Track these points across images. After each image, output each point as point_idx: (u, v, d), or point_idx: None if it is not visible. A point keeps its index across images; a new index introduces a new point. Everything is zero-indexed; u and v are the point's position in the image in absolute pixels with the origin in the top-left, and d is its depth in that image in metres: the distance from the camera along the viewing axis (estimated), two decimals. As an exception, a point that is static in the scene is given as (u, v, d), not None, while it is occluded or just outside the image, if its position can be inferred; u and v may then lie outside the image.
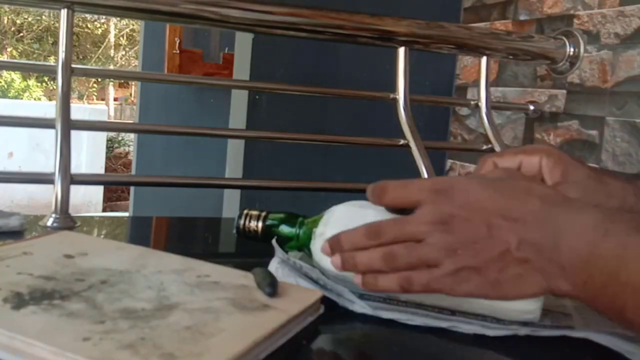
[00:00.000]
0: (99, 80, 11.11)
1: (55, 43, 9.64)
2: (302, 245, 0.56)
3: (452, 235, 0.42)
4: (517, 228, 0.41)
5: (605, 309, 0.40)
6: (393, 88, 0.94)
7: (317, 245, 0.51)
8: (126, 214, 4.34)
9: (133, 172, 3.27)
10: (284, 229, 0.57)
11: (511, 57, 1.05)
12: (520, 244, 0.41)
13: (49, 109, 5.38)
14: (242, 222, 0.59)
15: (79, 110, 6.02)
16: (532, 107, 1.20)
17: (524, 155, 0.51)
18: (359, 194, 0.89)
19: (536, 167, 0.50)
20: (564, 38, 1.10)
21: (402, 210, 0.50)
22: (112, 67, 11.52)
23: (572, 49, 1.09)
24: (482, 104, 1.03)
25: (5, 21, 11.38)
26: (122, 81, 11.49)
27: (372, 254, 0.43)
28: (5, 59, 2.17)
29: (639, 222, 0.39)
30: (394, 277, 0.43)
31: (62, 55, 0.74)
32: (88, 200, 5.44)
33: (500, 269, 0.41)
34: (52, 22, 11.11)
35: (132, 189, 3.15)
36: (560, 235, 0.40)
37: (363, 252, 0.43)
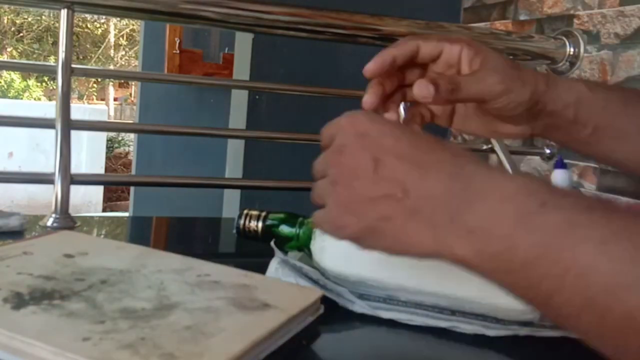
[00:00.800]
0: (99, 80, 11.12)
1: (55, 43, 9.65)
2: (302, 245, 0.56)
3: (338, 167, 0.37)
4: (412, 172, 0.35)
5: (523, 287, 0.32)
6: (393, 88, 0.94)
7: (318, 245, 0.51)
8: (126, 214, 4.34)
9: (133, 172, 3.27)
10: (284, 229, 0.57)
11: (511, 57, 1.05)
12: (410, 191, 0.34)
13: (49, 109, 5.38)
14: (242, 222, 0.59)
15: (79, 110, 6.01)
16: (532, 107, 1.19)
17: (447, 42, 0.49)
18: (359, 194, 0.89)
19: (456, 55, 0.48)
20: (564, 38, 1.10)
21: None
22: (112, 67, 11.53)
23: (572, 49, 1.09)
24: (482, 104, 1.03)
25: (5, 21, 11.38)
26: (122, 81, 11.49)
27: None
28: (5, 59, 2.17)
29: (586, 200, 0.32)
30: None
31: (62, 55, 0.74)
32: (88, 200, 5.44)
33: (379, 215, 0.35)
34: (52, 22, 11.11)
35: (132, 189, 3.15)
36: (475, 194, 0.33)
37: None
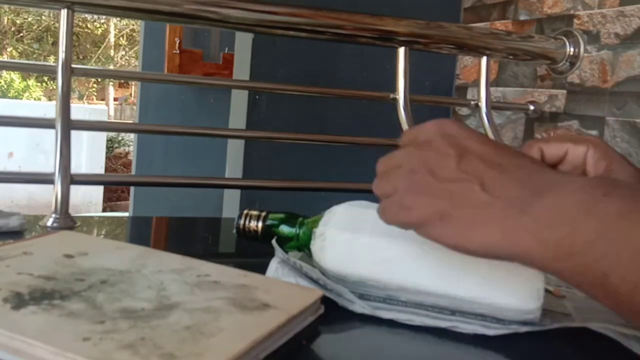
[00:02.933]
0: (99, 80, 11.11)
1: (55, 43, 9.65)
2: (302, 245, 0.56)
3: (420, 158, 0.39)
4: (491, 170, 0.37)
5: (581, 269, 0.34)
6: (393, 88, 0.94)
7: (317, 245, 0.51)
8: (126, 214, 4.34)
9: (133, 172, 3.27)
10: (284, 229, 0.57)
11: (511, 57, 1.05)
12: (488, 185, 0.37)
13: (49, 109, 5.39)
14: (242, 222, 0.59)
15: (79, 110, 6.02)
16: (532, 107, 1.20)
17: (571, 143, 0.49)
18: (359, 194, 0.89)
19: (581, 157, 0.48)
20: (564, 38, 1.10)
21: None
22: (112, 67, 11.52)
23: (572, 49, 1.09)
24: (482, 104, 1.03)
25: (5, 21, 11.38)
26: (122, 81, 11.49)
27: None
28: (5, 59, 2.17)
29: None
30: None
31: (62, 55, 0.74)
32: (88, 200, 5.44)
33: (453, 201, 0.37)
34: (52, 22, 11.11)
35: (132, 189, 3.15)
36: (547, 189, 0.36)
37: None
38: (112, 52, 12.44)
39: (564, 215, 0.34)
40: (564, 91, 1.19)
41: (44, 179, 0.73)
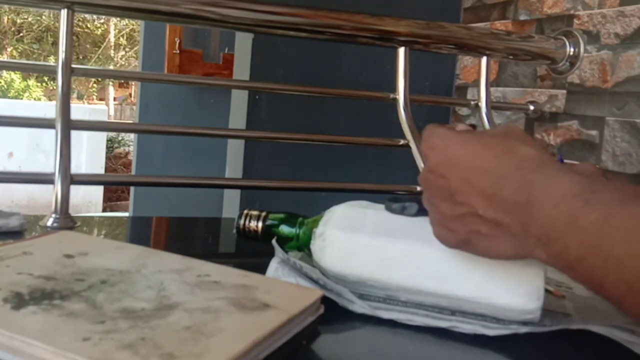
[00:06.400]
0: (99, 80, 11.11)
1: (55, 43, 9.64)
2: (302, 245, 0.56)
3: (428, 191, 0.45)
4: (485, 191, 0.41)
5: (582, 280, 0.37)
6: (393, 88, 0.94)
7: (317, 245, 0.51)
8: (126, 214, 4.34)
9: (133, 172, 3.27)
10: (284, 229, 0.57)
11: (511, 57, 1.05)
12: (488, 207, 0.41)
13: (49, 109, 5.38)
14: (242, 222, 0.59)
15: (79, 110, 6.02)
16: (532, 107, 1.20)
17: None
18: (359, 194, 0.89)
19: None
20: (564, 38, 1.10)
21: (402, 209, 0.50)
22: (112, 67, 11.52)
23: (572, 49, 1.09)
24: (482, 104, 1.03)
25: (5, 21, 11.38)
26: (122, 81, 11.48)
27: None
28: (5, 59, 2.16)
29: (623, 193, 0.36)
30: None
31: (62, 55, 0.74)
32: (88, 200, 5.44)
33: (469, 229, 0.42)
34: (52, 22, 11.11)
35: (132, 189, 3.15)
36: (534, 204, 0.38)
37: None
38: (112, 52, 12.43)
39: (555, 231, 0.37)
40: (564, 91, 1.19)
41: (44, 179, 0.72)
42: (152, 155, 2.99)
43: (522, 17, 1.31)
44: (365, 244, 0.49)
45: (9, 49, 11.36)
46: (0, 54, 11.09)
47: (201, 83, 1.55)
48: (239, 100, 1.53)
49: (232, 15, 0.82)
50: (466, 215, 0.42)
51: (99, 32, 12.31)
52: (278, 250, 0.53)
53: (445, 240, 0.45)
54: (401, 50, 0.93)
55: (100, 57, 12.03)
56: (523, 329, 0.45)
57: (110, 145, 7.31)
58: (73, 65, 0.75)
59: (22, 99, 9.52)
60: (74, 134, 0.73)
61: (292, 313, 0.40)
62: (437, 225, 0.45)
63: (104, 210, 5.64)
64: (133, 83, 9.57)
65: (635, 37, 1.04)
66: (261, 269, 0.51)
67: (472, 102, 1.06)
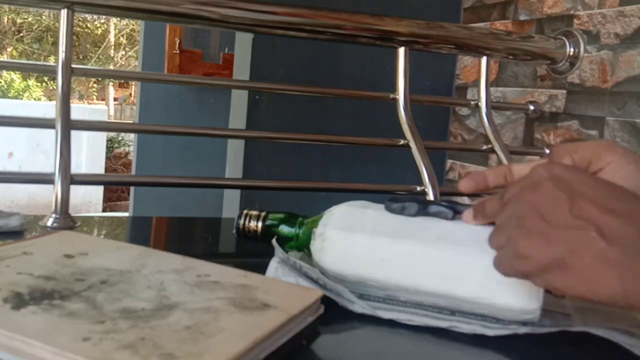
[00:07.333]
0: (99, 80, 11.11)
1: (55, 43, 9.65)
2: (302, 245, 0.56)
3: (528, 204, 0.38)
4: (606, 216, 0.36)
5: None
6: (393, 88, 0.94)
7: (317, 245, 0.51)
8: (126, 214, 4.34)
9: (133, 172, 3.26)
10: (284, 229, 0.57)
11: (511, 57, 1.05)
12: (605, 231, 0.35)
13: (49, 109, 5.38)
14: (242, 222, 0.59)
15: (79, 110, 6.02)
16: (532, 107, 1.20)
17: (600, 150, 0.48)
18: (359, 194, 0.89)
19: (608, 164, 0.47)
20: (564, 38, 1.10)
21: (402, 209, 0.50)
22: (112, 67, 11.52)
23: (572, 49, 1.09)
24: (482, 104, 1.03)
25: (5, 21, 11.38)
26: (122, 81, 11.48)
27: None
28: (5, 59, 2.16)
29: None
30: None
31: (62, 55, 0.74)
32: (88, 200, 5.44)
33: (570, 247, 0.36)
34: (52, 22, 11.11)
35: (132, 189, 3.15)
36: None
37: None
38: (112, 52, 12.43)
39: None
40: (564, 91, 1.19)
41: (44, 179, 0.72)
42: (152, 156, 2.99)
43: (522, 17, 1.31)
44: (365, 244, 0.49)
45: (9, 49, 11.36)
46: (0, 54, 11.09)
47: (201, 83, 1.55)
48: (239, 100, 1.53)
49: (232, 15, 0.82)
50: (577, 230, 0.36)
51: (99, 32, 12.31)
52: (278, 250, 0.53)
53: (529, 259, 0.38)
54: (401, 50, 0.93)
55: (100, 57, 12.03)
56: (523, 329, 0.45)
57: (110, 145, 7.31)
58: (73, 65, 0.75)
59: (22, 99, 9.52)
60: (74, 133, 0.73)
61: (292, 313, 0.40)
62: (524, 240, 0.38)
63: (104, 210, 5.63)
64: (133, 83, 9.57)
65: (635, 37, 1.04)
66: (261, 269, 0.51)
67: (472, 102, 1.07)
